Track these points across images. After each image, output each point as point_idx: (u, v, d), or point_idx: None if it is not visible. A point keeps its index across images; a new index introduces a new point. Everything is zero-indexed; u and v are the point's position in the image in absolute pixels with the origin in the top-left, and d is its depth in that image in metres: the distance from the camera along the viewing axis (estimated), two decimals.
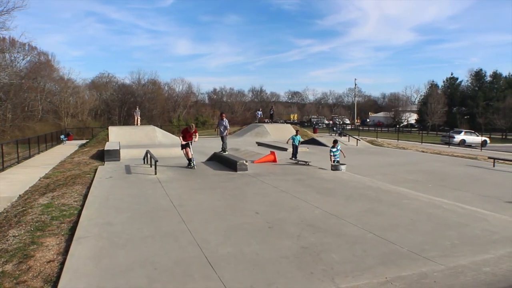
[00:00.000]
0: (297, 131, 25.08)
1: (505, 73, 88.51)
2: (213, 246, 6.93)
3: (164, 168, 15.51)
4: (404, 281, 5.49)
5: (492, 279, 5.30)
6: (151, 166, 15.46)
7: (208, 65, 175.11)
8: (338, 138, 28.00)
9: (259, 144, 30.81)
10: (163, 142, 27.76)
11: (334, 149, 17.97)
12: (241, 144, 28.83)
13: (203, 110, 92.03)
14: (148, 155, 16.74)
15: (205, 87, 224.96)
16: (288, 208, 9.67)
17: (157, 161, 14.53)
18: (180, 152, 22.47)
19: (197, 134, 16.40)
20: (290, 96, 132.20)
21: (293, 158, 20.30)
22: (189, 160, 16.32)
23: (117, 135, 27.56)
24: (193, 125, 16.89)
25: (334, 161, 17.59)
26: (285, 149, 24.76)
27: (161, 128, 36.70)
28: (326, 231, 7.88)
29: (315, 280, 5.62)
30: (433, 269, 5.95)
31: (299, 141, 21.78)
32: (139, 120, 38.58)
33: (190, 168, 16.13)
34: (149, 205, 9.86)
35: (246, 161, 15.63)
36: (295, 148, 21.17)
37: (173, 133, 38.27)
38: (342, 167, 16.85)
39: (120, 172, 15.03)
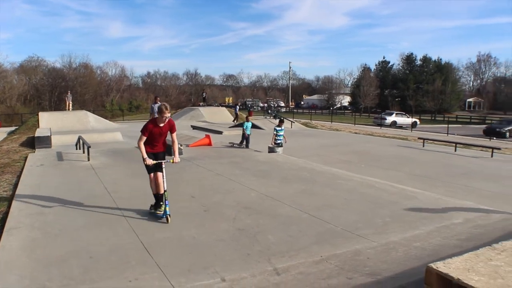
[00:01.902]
0: (247, 116, 23.45)
1: (434, 57, 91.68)
2: (149, 231, 6.81)
3: (98, 154, 15.10)
4: (339, 259, 5.57)
5: (422, 253, 5.46)
6: (84, 152, 14.99)
7: (142, 48, 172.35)
8: (273, 120, 28.03)
9: (194, 127, 30.58)
10: (96, 127, 27.07)
11: (279, 128, 17.90)
12: (176, 127, 28.47)
13: (137, 94, 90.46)
14: (81, 141, 16.21)
15: (139, 70, 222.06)
16: (224, 191, 9.64)
17: (89, 147, 14.11)
18: (113, 136, 21.97)
19: (174, 135, 8.08)
20: (225, 79, 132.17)
21: (244, 146, 19.13)
22: (159, 197, 7.75)
23: (48, 121, 26.57)
24: (167, 107, 7.66)
25: (276, 140, 17.51)
26: (221, 132, 24.71)
27: (93, 113, 35.70)
28: (262, 212, 7.91)
29: (252, 261, 5.62)
30: (366, 246, 6.07)
31: (250, 127, 20.21)
32: (70, 105, 37.45)
33: (160, 218, 7.58)
34: (83, 192, 9.57)
35: (181, 145, 15.46)
36: (247, 137, 19.61)
37: (106, 117, 37.47)
38: (279, 149, 16.92)
39: (51, 159, 14.53)
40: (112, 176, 11.41)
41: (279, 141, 17.63)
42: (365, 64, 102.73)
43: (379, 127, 43.50)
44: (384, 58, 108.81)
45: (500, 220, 7.24)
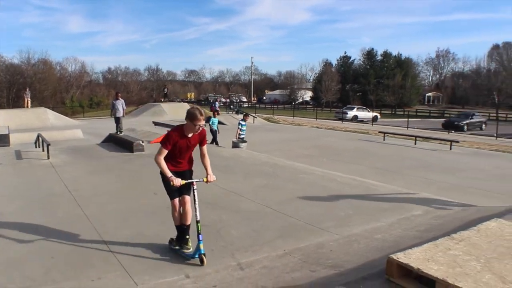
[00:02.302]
0: (214, 112, 22.70)
1: (394, 52, 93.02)
2: (111, 230, 6.72)
3: (57, 152, 14.81)
4: (302, 252, 5.60)
5: (383, 245, 5.54)
6: (43, 150, 14.69)
7: (103, 44, 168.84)
8: (235, 116, 28.00)
9: (156, 123, 30.33)
10: (56, 124, 26.63)
11: (243, 122, 17.88)
12: (137, 124, 28.21)
13: (98, 90, 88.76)
14: (40, 139, 15.90)
15: (99, 66, 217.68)
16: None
17: (49, 144, 13.83)
18: (73, 133, 21.60)
19: (205, 149, 6.20)
20: (187, 75, 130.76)
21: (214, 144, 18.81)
22: (184, 229, 5.88)
23: (5, 119, 25.98)
24: (201, 112, 5.72)
25: (240, 135, 17.47)
26: None
27: (53, 110, 35.11)
28: (225, 208, 7.90)
29: (216, 257, 5.61)
30: (329, 239, 6.13)
31: (217, 123, 20.05)
32: (29, 102, 36.60)
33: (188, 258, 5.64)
34: (43, 191, 9.38)
35: (143, 142, 15.29)
36: (214, 133, 19.42)
37: (66, 115, 36.84)
38: (243, 144, 16.90)
39: (10, 158, 14.19)
40: (73, 174, 11.22)
41: (243, 136, 17.62)
42: (327, 59, 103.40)
43: (341, 122, 44.01)
44: (345, 53, 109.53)
45: (459, 211, 7.40)
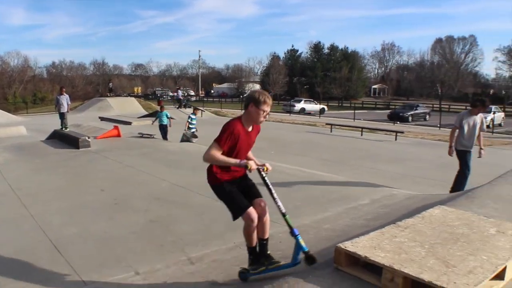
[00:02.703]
0: (161, 106, 22.01)
1: (341, 45, 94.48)
2: (57, 228, 6.54)
3: (0, 150, 14.34)
4: None
5: (332, 234, 5.61)
6: None
7: (46, 37, 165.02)
8: (183, 110, 27.80)
9: (102, 119, 29.81)
10: None
11: (193, 116, 17.77)
12: (83, 119, 27.57)
13: (42, 86, 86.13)
14: None
15: (43, 60, 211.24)
16: (135, 182, 9.45)
17: None
18: (17, 130, 20.94)
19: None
20: (133, 69, 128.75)
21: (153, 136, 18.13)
22: (263, 244, 4.72)
23: None
24: (269, 96, 4.45)
25: (189, 129, 17.34)
26: (130, 123, 24.20)
27: None
28: (174, 203, 7.84)
29: (166, 252, 5.56)
30: (278, 230, 6.13)
31: (167, 117, 19.49)
32: None
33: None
34: None
35: (89, 137, 14.96)
36: (163, 128, 18.97)
37: (9, 111, 35.71)
38: (194, 140, 16.80)
39: None
40: (16, 172, 10.87)
41: (193, 130, 17.52)
42: (274, 53, 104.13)
43: (289, 114, 44.36)
44: (292, 46, 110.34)
45: (404, 199, 7.57)
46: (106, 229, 6.46)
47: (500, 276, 3.39)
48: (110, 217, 7.03)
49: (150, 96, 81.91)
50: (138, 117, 29.99)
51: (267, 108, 4.35)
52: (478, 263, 3.35)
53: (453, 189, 9.06)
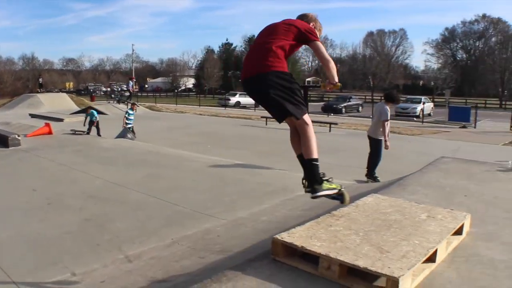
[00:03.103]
0: (89, 107, 21.83)
1: None
2: None
3: None
4: (190, 239, 5.58)
5: (269, 226, 5.65)
6: None
7: None
8: (117, 105, 27.35)
9: (33, 116, 28.84)
10: None
11: (131, 111, 17.51)
12: (12, 117, 26.58)
13: None
14: None
15: None
16: (68, 181, 9.19)
17: None
18: None
19: None
20: (65, 64, 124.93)
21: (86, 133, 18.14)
22: None
23: None
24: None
25: (126, 124, 17.07)
26: (61, 120, 23.55)
27: None
28: (109, 200, 7.68)
29: (102, 251, 5.44)
30: (216, 224, 6.15)
31: (96, 116, 19.37)
32: None
33: None
34: None
35: (19, 136, 14.42)
36: (91, 125, 18.80)
37: None
38: (130, 135, 16.55)
39: None
40: None
41: (130, 125, 17.27)
42: (209, 46, 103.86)
43: (224, 108, 44.38)
44: (227, 40, 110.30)
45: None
46: (39, 230, 6.25)
47: (431, 259, 3.51)
48: (43, 217, 6.81)
49: (83, 92, 79.95)
50: (70, 114, 29.24)
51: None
52: (410, 248, 3.45)
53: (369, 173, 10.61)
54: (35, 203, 7.63)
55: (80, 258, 5.25)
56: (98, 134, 18.37)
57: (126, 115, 17.67)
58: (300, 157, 4.55)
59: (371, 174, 10.83)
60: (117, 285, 4.41)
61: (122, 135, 16.52)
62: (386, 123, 10.76)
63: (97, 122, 18.88)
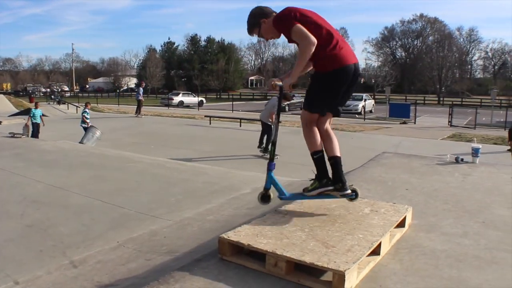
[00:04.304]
0: (36, 103, 20.80)
1: (218, 38, 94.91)
2: None
3: None
4: (136, 242, 5.50)
5: (216, 225, 5.64)
6: None
7: None
8: (57, 106, 26.73)
9: None
10: None
11: (88, 110, 17.34)
12: None
13: None
14: None
15: None
16: (8, 186, 8.88)
17: None
18: None
19: None
20: (1, 64, 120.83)
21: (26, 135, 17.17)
22: None
23: None
24: None
25: (86, 124, 16.97)
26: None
27: None
28: (51, 204, 7.47)
29: (46, 257, 5.29)
30: (162, 225, 6.09)
31: (41, 116, 18.82)
32: None
33: None
34: None
35: None
36: (36, 127, 18.17)
37: None
38: (98, 133, 16.43)
39: None
40: None
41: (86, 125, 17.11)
42: (151, 45, 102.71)
43: (167, 108, 44.01)
44: (169, 39, 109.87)
45: (284, 186, 7.74)
46: None
47: (376, 251, 3.59)
48: None
49: (21, 93, 77.51)
50: (8, 116, 28.33)
51: None
52: (355, 242, 3.52)
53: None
54: None
55: (23, 266, 5.09)
56: (36, 135, 17.87)
57: (85, 115, 17.48)
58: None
59: (266, 148, 13.97)
60: None
61: (90, 135, 16.36)
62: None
63: (38, 124, 18.37)
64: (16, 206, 7.45)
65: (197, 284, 3.30)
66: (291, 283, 3.27)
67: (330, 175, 4.44)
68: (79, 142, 16.35)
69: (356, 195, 4.41)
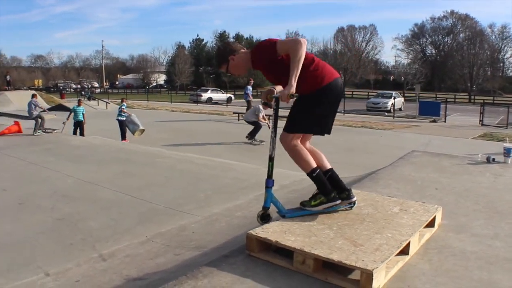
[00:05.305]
0: (79, 100, 20.66)
1: (246, 35, 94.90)
2: None
3: None
4: (164, 237, 5.55)
5: (244, 221, 5.65)
6: None
7: None
8: (88, 102, 27.04)
9: (1, 114, 28.32)
10: None
11: (125, 104, 17.83)
12: None
13: None
14: None
15: None
16: (39, 180, 9.05)
17: None
18: None
19: None
20: (33, 60, 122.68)
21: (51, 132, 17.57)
22: None
23: None
24: None
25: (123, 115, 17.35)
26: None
27: None
28: (81, 199, 7.58)
29: (76, 250, 5.37)
30: (190, 221, 6.12)
31: (83, 113, 18.71)
32: None
33: None
34: None
35: None
36: (79, 125, 18.28)
37: None
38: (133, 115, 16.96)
39: None
40: None
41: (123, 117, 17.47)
42: (180, 42, 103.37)
43: (196, 104, 44.14)
44: (198, 36, 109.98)
45: (312, 184, 7.72)
46: (10, 231, 6.15)
47: (405, 251, 3.55)
48: (14, 218, 6.70)
49: (52, 89, 78.75)
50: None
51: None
52: (384, 241, 3.49)
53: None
54: (6, 203, 7.50)
55: (53, 258, 5.17)
56: (82, 134, 18.07)
57: (123, 107, 17.75)
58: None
59: (251, 136, 16.40)
60: (92, 284, 4.36)
61: (131, 119, 17.22)
62: (261, 115, 16.39)
63: (80, 122, 18.48)
64: (46, 200, 7.58)
65: (225, 279, 3.32)
66: (318, 281, 3.26)
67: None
68: (130, 131, 16.88)
69: (354, 203, 4.36)
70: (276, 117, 4.37)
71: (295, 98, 4.20)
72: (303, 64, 3.85)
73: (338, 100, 4.28)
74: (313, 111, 4.15)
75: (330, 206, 4.27)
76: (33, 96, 19.14)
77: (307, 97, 4.14)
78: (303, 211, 4.37)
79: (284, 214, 4.29)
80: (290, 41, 3.93)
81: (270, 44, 4.04)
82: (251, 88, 27.82)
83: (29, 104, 18.01)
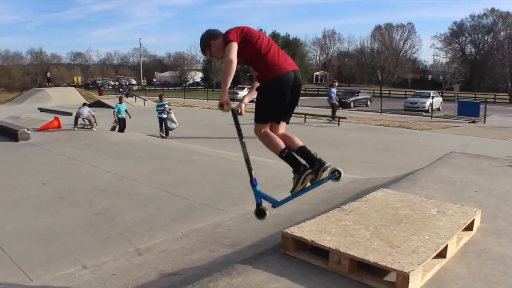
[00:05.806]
0: (120, 97, 21.10)
1: (283, 33, 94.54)
2: None
3: None
4: (200, 233, 5.60)
5: (278, 220, 5.65)
6: None
7: None
8: (125, 99, 27.34)
9: (42, 110, 28.92)
10: None
11: (164, 102, 18.66)
12: (22, 111, 26.71)
13: None
14: None
15: None
16: (78, 175, 9.23)
17: None
18: None
19: None
20: (72, 58, 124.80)
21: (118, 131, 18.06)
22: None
23: None
24: None
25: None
26: (70, 114, 23.57)
27: None
28: (118, 194, 7.71)
29: (112, 244, 5.47)
30: (225, 218, 6.16)
31: (125, 110, 19.04)
32: None
33: None
34: None
35: (28, 129, 14.50)
36: (122, 122, 18.60)
37: None
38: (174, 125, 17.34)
39: None
40: None
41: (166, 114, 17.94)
42: None
43: (232, 102, 44.17)
44: None
45: (348, 183, 7.69)
46: (50, 224, 6.29)
47: (442, 254, 3.50)
48: (53, 211, 6.84)
49: (91, 86, 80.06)
50: (78, 108, 29.29)
51: None
52: (421, 243, 3.44)
53: None
54: (45, 197, 7.67)
55: (90, 251, 5.27)
56: (122, 130, 18.29)
57: (166, 106, 18.05)
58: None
59: None
60: (128, 278, 4.43)
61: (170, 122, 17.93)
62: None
63: (123, 120, 18.68)
64: (85, 194, 7.73)
65: (260, 277, 3.32)
66: (353, 281, 3.24)
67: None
68: (170, 129, 17.28)
69: (340, 174, 4.17)
70: (237, 126, 4.80)
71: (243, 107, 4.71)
72: (259, 54, 4.15)
73: (295, 93, 4.35)
74: (269, 100, 4.33)
75: (304, 177, 4.28)
76: (84, 104, 19.34)
77: (262, 87, 4.31)
78: (293, 196, 4.47)
79: (275, 206, 4.47)
80: (226, 50, 4.14)
81: (223, 39, 4.26)
82: (334, 91, 25.81)
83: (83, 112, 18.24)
